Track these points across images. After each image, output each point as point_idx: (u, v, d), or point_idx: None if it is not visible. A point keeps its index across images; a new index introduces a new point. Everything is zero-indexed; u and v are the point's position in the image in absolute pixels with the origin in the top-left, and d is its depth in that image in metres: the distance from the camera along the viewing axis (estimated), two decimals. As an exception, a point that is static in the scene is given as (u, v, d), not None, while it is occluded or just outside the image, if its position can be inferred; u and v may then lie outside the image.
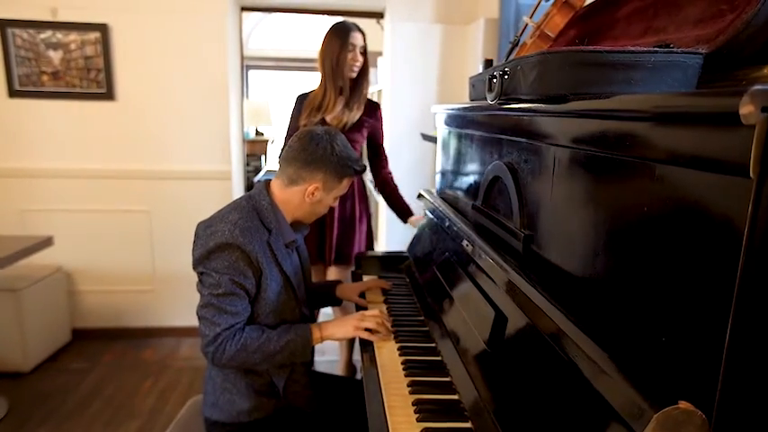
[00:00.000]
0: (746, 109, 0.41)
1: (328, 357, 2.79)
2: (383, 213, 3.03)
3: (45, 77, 2.73)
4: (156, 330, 3.04)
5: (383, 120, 2.22)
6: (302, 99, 2.16)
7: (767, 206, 0.42)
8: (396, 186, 2.21)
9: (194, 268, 1.24)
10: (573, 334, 0.69)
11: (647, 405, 0.50)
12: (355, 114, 2.07)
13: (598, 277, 0.73)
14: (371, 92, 4.25)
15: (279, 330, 1.23)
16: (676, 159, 0.55)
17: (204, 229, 1.24)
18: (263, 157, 6.08)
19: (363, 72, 2.11)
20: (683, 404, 0.47)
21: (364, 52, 2.09)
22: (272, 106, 6.21)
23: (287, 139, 2.06)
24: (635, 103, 0.59)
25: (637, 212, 0.63)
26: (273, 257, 1.25)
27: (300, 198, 1.29)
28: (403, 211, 2.15)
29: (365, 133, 2.12)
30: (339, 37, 2.03)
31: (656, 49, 0.69)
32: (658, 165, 0.58)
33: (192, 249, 1.25)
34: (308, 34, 6.12)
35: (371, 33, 5.62)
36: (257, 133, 6.14)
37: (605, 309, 0.71)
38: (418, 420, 0.92)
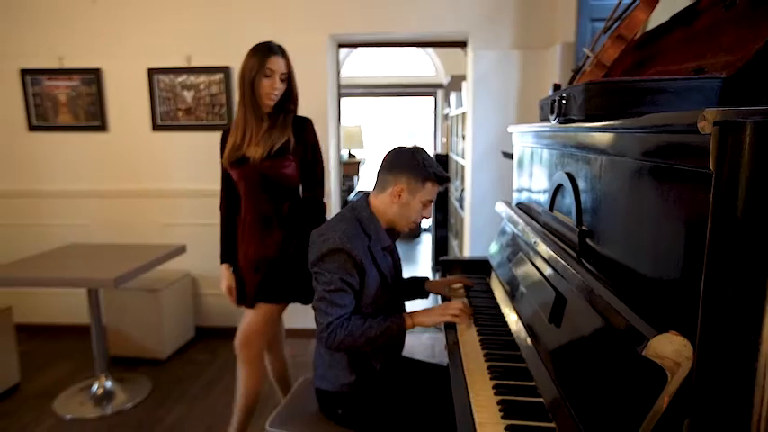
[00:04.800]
0: (702, 123, 0.61)
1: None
2: (467, 224, 3.24)
3: (180, 113, 3.28)
4: (265, 330, 3.44)
5: (315, 135, 2.00)
6: (225, 136, 2.00)
7: (722, 189, 0.61)
8: (313, 218, 1.96)
9: (310, 268, 1.51)
10: (618, 306, 0.87)
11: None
12: (278, 139, 1.87)
13: (640, 263, 0.91)
14: (455, 114, 4.50)
15: (378, 319, 1.47)
16: (674, 158, 0.75)
17: (318, 236, 1.51)
18: (355, 178, 6.52)
19: (288, 99, 1.93)
20: (672, 332, 0.66)
21: (287, 79, 1.90)
22: (363, 130, 6.67)
23: (222, 183, 2.04)
24: (641, 122, 0.79)
25: (658, 207, 0.82)
26: (373, 259, 1.51)
27: (390, 201, 1.52)
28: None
29: (294, 158, 1.92)
30: (256, 58, 1.83)
31: (675, 77, 0.88)
32: (668, 165, 0.77)
33: (308, 253, 1.54)
34: (395, 62, 6.53)
35: (456, 60, 5.80)
36: (350, 156, 6.61)
37: (643, 286, 0.89)
38: (491, 378, 1.14)
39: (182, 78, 3.24)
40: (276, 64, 1.84)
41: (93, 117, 3.30)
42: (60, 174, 3.39)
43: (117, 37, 3.21)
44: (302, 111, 3.26)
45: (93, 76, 3.25)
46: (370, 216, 1.54)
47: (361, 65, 6.56)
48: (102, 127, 3.31)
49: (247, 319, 2.01)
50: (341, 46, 3.50)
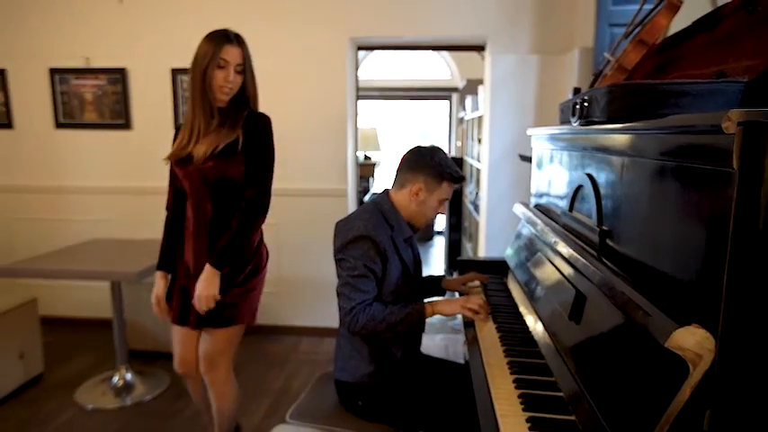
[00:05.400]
0: (727, 124, 0.64)
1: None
2: (482, 227, 3.26)
3: (202, 113, 3.34)
4: (280, 328, 3.50)
5: (267, 131, 1.74)
6: (179, 131, 1.82)
7: (745, 186, 0.64)
8: (235, 228, 1.71)
9: (335, 255, 1.57)
10: (639, 301, 0.90)
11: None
12: (226, 137, 1.68)
13: (660, 260, 0.93)
14: (470, 118, 4.52)
15: (399, 305, 1.52)
16: (696, 158, 0.77)
17: (343, 225, 1.58)
18: (370, 179, 6.57)
19: (245, 94, 1.73)
20: (694, 325, 0.68)
21: (243, 71, 1.70)
22: (379, 133, 6.73)
23: (169, 182, 1.87)
24: (665, 123, 0.82)
25: (680, 206, 0.84)
26: (395, 249, 1.57)
27: (408, 199, 1.59)
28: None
29: (242, 158, 1.70)
30: (210, 46, 1.64)
31: (697, 80, 0.90)
32: (690, 165, 0.80)
33: (332, 242, 1.59)
34: (410, 65, 6.58)
35: (472, 64, 5.82)
36: (366, 157, 6.66)
37: (664, 283, 0.91)
38: (511, 373, 1.16)
39: (204, 79, 3.30)
40: (231, 54, 1.64)
41: (118, 115, 3.38)
42: (85, 170, 3.47)
43: (142, 38, 3.29)
44: (321, 112, 3.34)
45: (118, 76, 3.33)
46: (391, 208, 1.60)
47: (376, 68, 6.61)
48: (126, 125, 3.39)
49: (208, 345, 1.83)
50: (360, 48, 3.54)
